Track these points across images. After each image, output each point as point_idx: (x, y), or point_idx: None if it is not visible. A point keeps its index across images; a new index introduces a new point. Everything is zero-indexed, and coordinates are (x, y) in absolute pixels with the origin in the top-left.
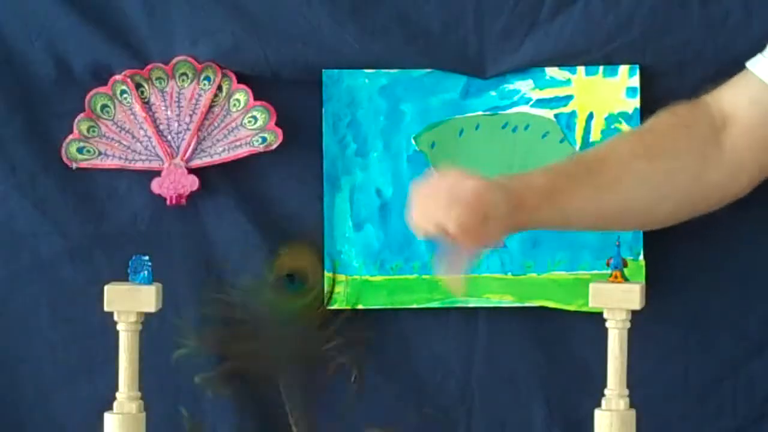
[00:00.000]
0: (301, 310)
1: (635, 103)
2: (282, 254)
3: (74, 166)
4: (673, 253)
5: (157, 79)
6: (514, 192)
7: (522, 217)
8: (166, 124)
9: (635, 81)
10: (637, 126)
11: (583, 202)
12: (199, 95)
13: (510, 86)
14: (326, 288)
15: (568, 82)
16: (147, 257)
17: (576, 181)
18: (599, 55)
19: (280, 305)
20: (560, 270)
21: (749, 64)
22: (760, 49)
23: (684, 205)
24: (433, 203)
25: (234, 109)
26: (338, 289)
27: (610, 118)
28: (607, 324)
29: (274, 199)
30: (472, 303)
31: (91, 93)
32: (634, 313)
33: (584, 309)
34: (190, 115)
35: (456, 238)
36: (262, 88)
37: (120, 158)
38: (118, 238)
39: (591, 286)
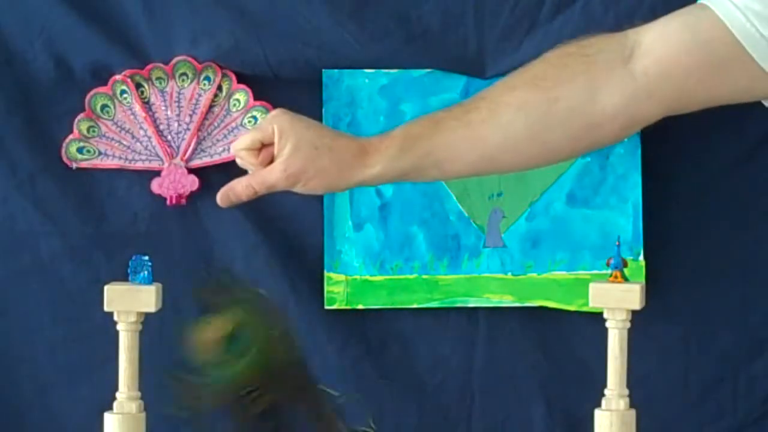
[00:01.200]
0: (245, 368)
1: None
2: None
3: (74, 166)
4: (673, 253)
5: (157, 79)
6: (352, 143)
7: (365, 168)
8: (166, 124)
9: None
10: (632, 139)
11: (454, 141)
12: (199, 95)
13: None
14: (326, 288)
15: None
16: (147, 257)
17: (443, 123)
18: None
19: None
20: (560, 270)
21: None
22: None
23: (576, 131)
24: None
25: (234, 109)
26: (338, 289)
27: None
28: (607, 324)
29: (274, 199)
30: (472, 303)
31: (91, 93)
32: (634, 313)
33: (584, 309)
34: (190, 115)
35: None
36: (262, 88)
37: (120, 158)
38: (118, 238)
39: (591, 286)
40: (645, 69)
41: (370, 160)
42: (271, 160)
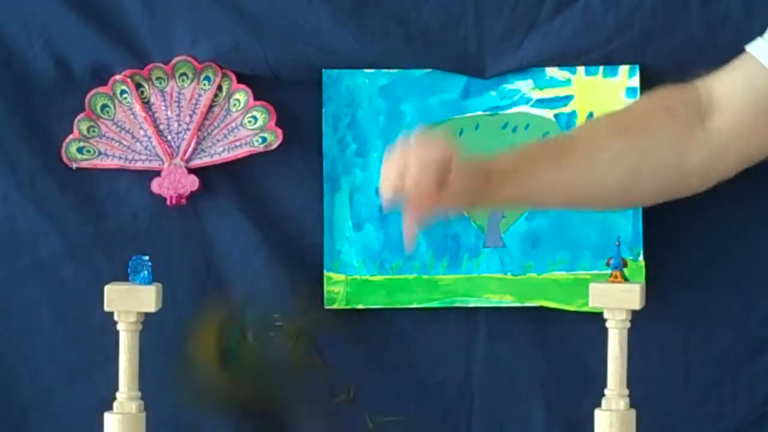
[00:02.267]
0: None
1: None
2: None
3: (74, 166)
4: (673, 253)
5: (157, 79)
6: (479, 168)
7: (485, 194)
8: (166, 124)
9: (635, 81)
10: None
11: (552, 180)
12: (199, 95)
13: (510, 86)
14: (325, 288)
15: (568, 82)
16: (147, 257)
17: (545, 160)
18: (599, 55)
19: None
20: (560, 270)
21: (749, 47)
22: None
23: (661, 185)
24: (399, 163)
25: (234, 109)
26: (338, 288)
27: None
28: (607, 324)
29: (274, 199)
30: (472, 303)
31: (91, 93)
32: (634, 313)
33: (584, 309)
34: (190, 115)
35: (411, 197)
36: (262, 88)
37: (120, 158)
38: (118, 238)
39: (591, 286)
40: (719, 129)
41: (491, 189)
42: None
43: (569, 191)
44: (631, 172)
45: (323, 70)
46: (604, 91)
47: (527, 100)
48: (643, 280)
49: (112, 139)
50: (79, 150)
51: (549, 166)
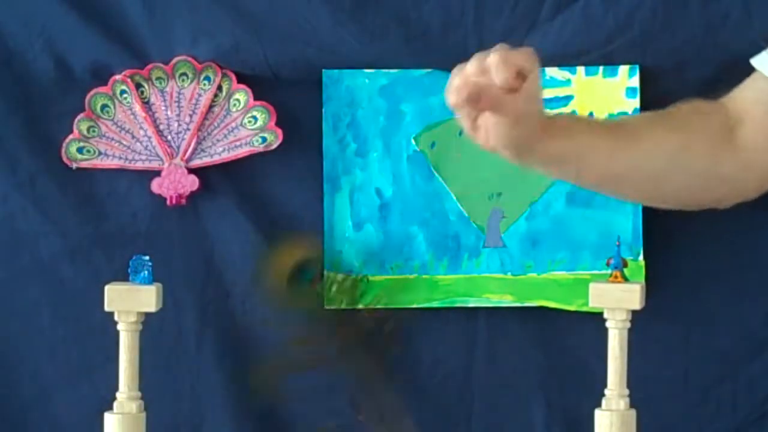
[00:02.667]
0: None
1: (635, 103)
2: (279, 252)
3: (74, 166)
4: (673, 253)
5: (157, 79)
6: (540, 110)
7: (537, 143)
8: (166, 124)
9: (635, 81)
10: None
11: (599, 150)
12: (199, 95)
13: None
14: (325, 287)
15: (567, 82)
16: (147, 257)
17: (597, 128)
18: (599, 55)
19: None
20: (560, 270)
21: (754, 61)
22: (760, 50)
23: (692, 186)
24: (483, 63)
25: (234, 109)
26: (338, 288)
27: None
28: (607, 324)
29: (274, 199)
30: (472, 303)
31: (91, 93)
32: (634, 313)
33: (584, 309)
34: (190, 115)
35: (486, 95)
36: (262, 88)
37: (120, 158)
38: (118, 238)
39: (591, 286)
40: (745, 142)
41: (545, 138)
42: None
43: (611, 166)
44: (669, 161)
45: (323, 70)
46: (604, 91)
47: None
48: (643, 280)
49: (112, 139)
50: (79, 150)
51: (600, 133)
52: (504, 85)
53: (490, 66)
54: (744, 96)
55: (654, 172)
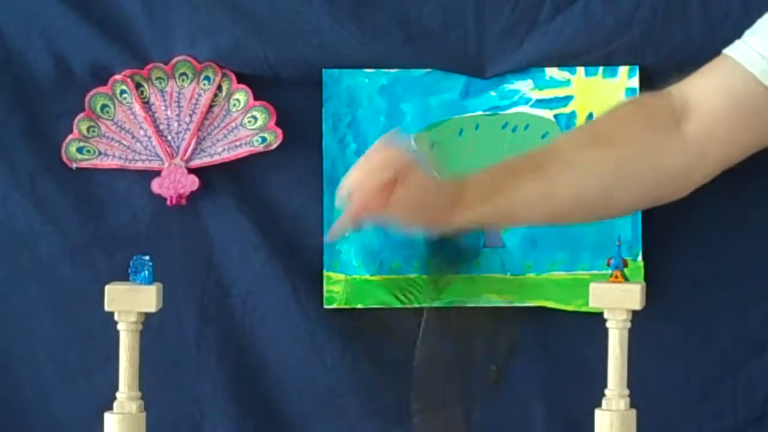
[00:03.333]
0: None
1: None
2: None
3: (74, 166)
4: (673, 253)
5: (157, 79)
6: (451, 186)
7: (456, 212)
8: (166, 124)
9: (635, 82)
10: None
11: (529, 197)
12: (199, 95)
13: (510, 86)
14: (325, 288)
15: (567, 82)
16: (147, 257)
17: (519, 176)
18: (599, 55)
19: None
20: (560, 270)
21: (727, 50)
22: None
23: (643, 193)
24: (358, 168)
25: (234, 109)
26: (337, 288)
27: None
28: (607, 324)
29: (274, 199)
30: (472, 303)
31: (91, 93)
32: (634, 313)
33: (584, 309)
34: (190, 115)
35: (352, 194)
36: (262, 88)
37: (120, 158)
38: (118, 238)
39: (591, 286)
40: (695, 133)
41: (459, 209)
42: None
43: (549, 205)
44: (610, 180)
45: (323, 70)
46: (603, 92)
47: (527, 101)
48: (643, 280)
49: (112, 139)
50: (79, 150)
51: (527, 179)
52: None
53: (355, 178)
54: (703, 84)
55: (597, 193)
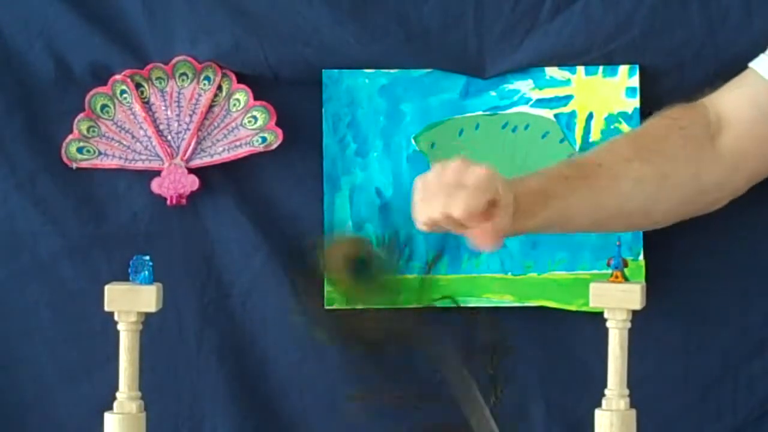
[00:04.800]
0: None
1: (635, 103)
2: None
3: (74, 166)
4: (673, 253)
5: (157, 79)
6: (513, 191)
7: (518, 219)
8: (166, 124)
9: (635, 81)
10: (633, 128)
11: (579, 205)
12: (199, 95)
13: (510, 86)
14: (325, 288)
15: (567, 82)
16: (147, 257)
17: (571, 184)
18: (599, 55)
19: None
20: (560, 270)
21: (752, 63)
22: (760, 49)
23: (681, 205)
24: (437, 192)
25: (234, 109)
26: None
27: (610, 118)
28: (607, 324)
29: (274, 199)
30: (472, 303)
31: (91, 93)
32: (634, 313)
33: (584, 309)
34: (190, 115)
35: (463, 223)
36: (262, 88)
37: (120, 158)
38: (118, 238)
39: (591, 286)
40: (729, 146)
41: (524, 215)
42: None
43: (596, 214)
44: (651, 194)
45: (323, 70)
46: (603, 91)
47: (527, 100)
48: (643, 280)
49: (112, 139)
50: (79, 150)
51: (579, 187)
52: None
53: (456, 217)
54: (731, 98)
55: (639, 206)
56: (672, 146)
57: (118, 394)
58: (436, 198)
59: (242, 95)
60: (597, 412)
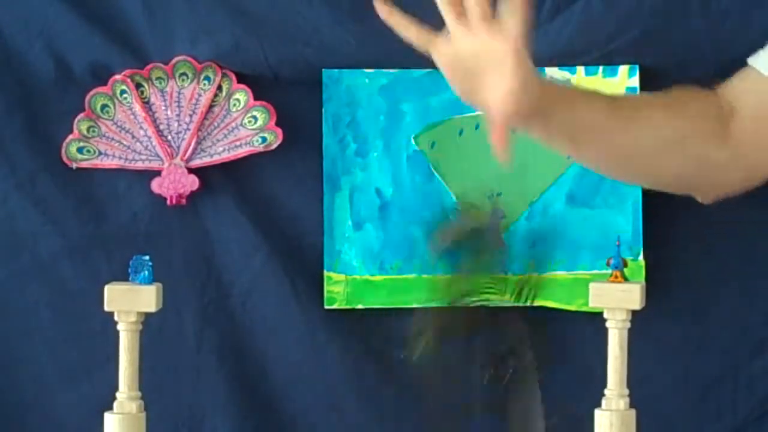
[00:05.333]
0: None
1: None
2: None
3: (74, 166)
4: (673, 253)
5: (157, 79)
6: (540, 78)
7: (539, 111)
8: (166, 124)
9: (635, 81)
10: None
11: (599, 122)
12: (199, 95)
13: None
14: (325, 288)
15: (567, 82)
16: (147, 257)
17: (595, 104)
18: (599, 55)
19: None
20: (560, 270)
21: (750, 60)
22: (760, 49)
23: (687, 168)
24: (474, 69)
25: (234, 109)
26: (338, 288)
27: None
28: (607, 324)
29: (274, 199)
30: (472, 303)
31: (91, 93)
32: (634, 313)
33: (584, 309)
34: (190, 115)
35: (502, 109)
36: (262, 88)
37: (120, 158)
38: (118, 238)
39: (591, 286)
40: (738, 133)
41: (548, 103)
42: None
43: (609, 141)
44: (666, 143)
45: (323, 70)
46: (603, 91)
47: None
48: (643, 280)
49: (112, 139)
50: (79, 150)
51: (600, 109)
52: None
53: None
54: (737, 90)
55: (650, 151)
56: (693, 110)
57: (118, 394)
58: (474, 80)
59: (242, 95)
60: (597, 412)
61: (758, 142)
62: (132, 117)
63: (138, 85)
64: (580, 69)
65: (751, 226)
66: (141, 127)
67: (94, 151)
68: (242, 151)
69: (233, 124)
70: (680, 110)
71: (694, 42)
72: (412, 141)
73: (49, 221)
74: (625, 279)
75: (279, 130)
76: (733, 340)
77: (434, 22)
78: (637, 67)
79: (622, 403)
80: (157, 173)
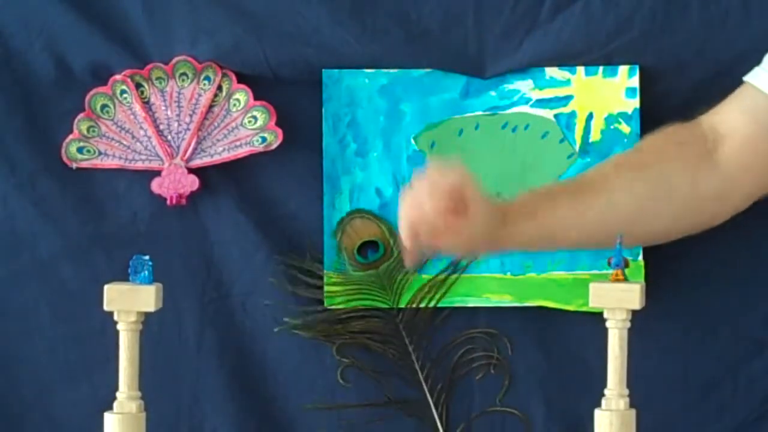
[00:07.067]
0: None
1: (635, 103)
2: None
3: (74, 166)
4: (673, 253)
5: (157, 79)
6: (496, 206)
7: (504, 233)
8: (166, 124)
9: (635, 81)
10: (632, 128)
11: (569, 217)
12: (199, 95)
13: (510, 86)
14: (325, 288)
15: (567, 82)
16: (147, 257)
17: (558, 197)
18: (599, 55)
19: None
20: (559, 270)
21: (747, 77)
22: (760, 50)
23: (680, 219)
24: (416, 196)
25: (234, 109)
26: (338, 288)
27: (610, 119)
28: (607, 324)
29: (274, 199)
30: (472, 303)
31: (91, 93)
32: (634, 313)
33: (584, 309)
34: (190, 115)
35: (432, 228)
36: (262, 88)
37: (120, 158)
38: (118, 238)
39: (591, 285)
40: (726, 159)
41: (506, 229)
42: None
43: (586, 227)
44: (644, 200)
45: (323, 70)
46: (603, 91)
47: (527, 100)
48: (642, 280)
49: (112, 139)
50: (79, 150)
51: (566, 202)
52: (439, 216)
53: (421, 200)
54: (729, 111)
55: (632, 215)
56: (668, 157)
57: (118, 394)
58: (413, 203)
59: (242, 95)
60: (597, 412)
61: (756, 164)
62: (132, 117)
63: (138, 85)
64: (580, 69)
65: (751, 226)
66: (141, 127)
67: (94, 151)
68: (242, 151)
69: (233, 124)
70: (655, 160)
71: (694, 42)
72: (412, 141)
73: (49, 221)
74: (625, 279)
75: (279, 130)
76: (733, 340)
77: (434, 22)
78: (637, 67)
79: (622, 403)
80: (157, 173)
